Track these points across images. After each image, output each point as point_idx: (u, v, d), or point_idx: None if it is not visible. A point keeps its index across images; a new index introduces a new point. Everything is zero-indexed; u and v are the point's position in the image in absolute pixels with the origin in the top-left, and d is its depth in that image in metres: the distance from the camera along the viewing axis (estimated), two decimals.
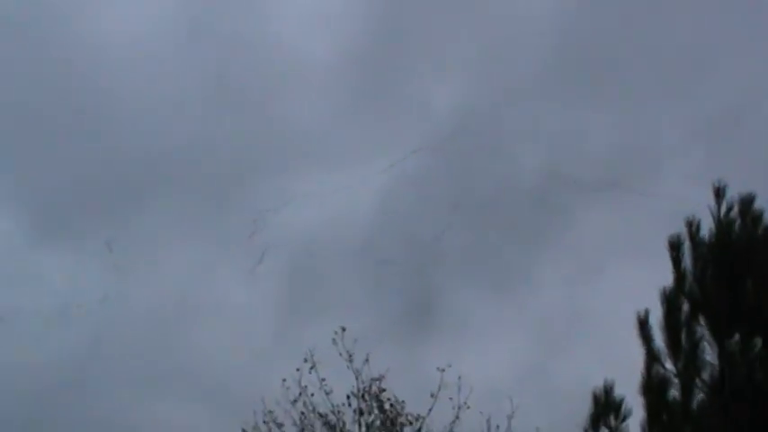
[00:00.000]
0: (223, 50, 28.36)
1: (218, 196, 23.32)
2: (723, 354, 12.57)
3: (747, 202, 12.89)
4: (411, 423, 17.04)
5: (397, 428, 16.94)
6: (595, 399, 12.86)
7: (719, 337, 12.61)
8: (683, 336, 12.82)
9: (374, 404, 17.15)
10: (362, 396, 17.20)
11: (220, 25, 28.79)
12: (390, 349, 22.69)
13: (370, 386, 17.25)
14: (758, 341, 12.44)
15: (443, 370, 17.05)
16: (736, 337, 12.54)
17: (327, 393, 17.22)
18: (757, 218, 12.85)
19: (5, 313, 24.95)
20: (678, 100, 26.46)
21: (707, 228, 12.95)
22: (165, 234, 24.91)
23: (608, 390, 12.85)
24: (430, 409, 17.13)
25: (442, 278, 25.28)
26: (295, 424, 17.12)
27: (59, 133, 26.53)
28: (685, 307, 12.84)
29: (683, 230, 13.01)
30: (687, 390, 12.69)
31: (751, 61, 26.83)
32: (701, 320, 12.74)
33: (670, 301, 12.83)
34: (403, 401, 17.29)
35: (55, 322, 24.42)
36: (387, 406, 17.09)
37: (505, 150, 25.56)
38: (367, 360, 17.32)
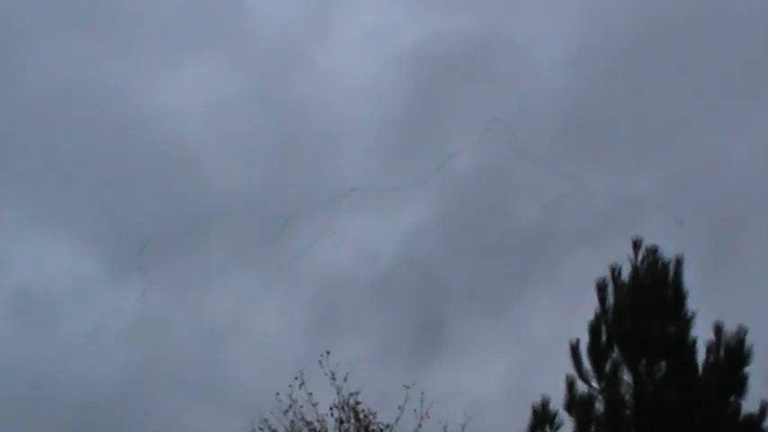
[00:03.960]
0: (286, 113, 32.08)
1: (270, 236, 26.42)
2: (636, 375, 15.22)
3: (654, 252, 15.74)
4: (382, 431, 20.05)
5: None
6: (534, 411, 15.33)
7: (633, 362, 15.25)
8: (606, 360, 15.54)
9: (351, 414, 20.17)
10: (342, 408, 20.20)
11: (285, 92, 32.66)
12: (400, 368, 25.83)
13: (349, 400, 20.26)
14: (663, 365, 15.14)
15: (408, 387, 20.03)
16: (645, 361, 15.26)
17: (314, 405, 20.20)
18: (665, 267, 15.80)
19: (80, 333, 28.25)
20: (659, 166, 30.10)
21: (627, 273, 15.93)
22: (220, 268, 28.07)
23: (545, 404, 15.21)
24: (397, 419, 20.08)
25: (448, 308, 28.53)
26: (286, 430, 20.11)
27: (138, 183, 30.02)
28: (605, 336, 15.65)
29: (608, 275, 15.96)
30: (609, 404, 15.13)
31: (718, 129, 30.74)
32: (619, 348, 15.38)
33: (595, 331, 15.41)
34: (375, 412, 20.27)
35: (121, 341, 27.77)
36: (361, 416, 20.12)
37: (510, 202, 29.01)
38: (345, 379, 20.27)
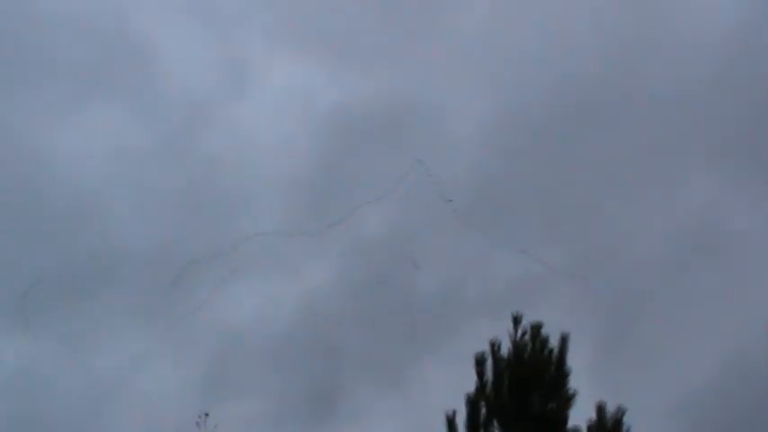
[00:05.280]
0: (195, 166, 31.75)
1: (167, 289, 25.72)
2: None
3: (537, 328, 15.90)
4: None
5: None
6: None
7: None
8: None
9: None
10: None
11: (195, 145, 32.36)
12: None
13: None
14: None
15: None
16: None
17: None
18: (544, 342, 15.85)
19: None
20: (563, 242, 30.49)
21: (506, 348, 15.93)
22: (113, 320, 27.22)
23: None
24: None
25: (344, 372, 28.24)
26: None
27: (30, 230, 29.00)
28: (484, 410, 15.64)
29: (488, 349, 15.93)
30: None
31: (626, 206, 31.39)
32: (496, 422, 15.52)
33: (473, 404, 15.46)
34: None
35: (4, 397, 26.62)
36: None
37: (414, 270, 28.97)
38: None
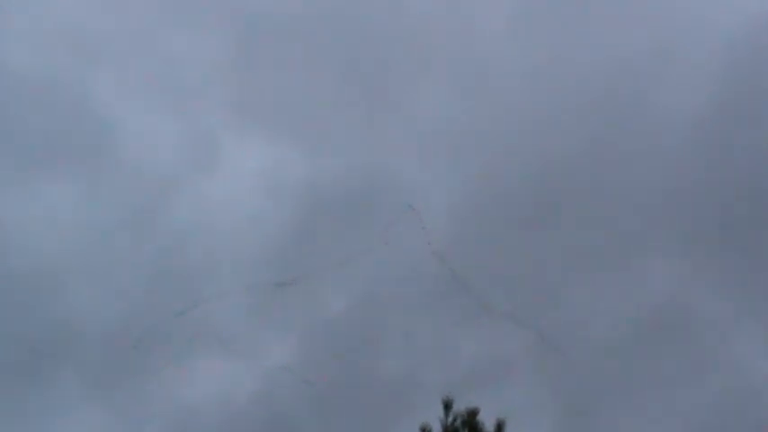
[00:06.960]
0: (161, 241, 31.47)
1: (123, 371, 25.17)
2: None
3: (472, 414, 15.49)
4: None
5: None
6: None
7: None
8: None
9: None
10: None
11: (162, 220, 32.15)
12: None
13: None
14: None
15: None
16: None
17: None
18: (477, 428, 15.42)
19: None
20: (528, 322, 30.19)
21: None
22: (65, 402, 26.60)
23: None
24: None
25: None
26: None
27: None
28: None
29: None
30: None
31: (587, 291, 31.18)
32: None
33: None
34: None
35: None
36: None
37: (375, 351, 28.68)
38: None
